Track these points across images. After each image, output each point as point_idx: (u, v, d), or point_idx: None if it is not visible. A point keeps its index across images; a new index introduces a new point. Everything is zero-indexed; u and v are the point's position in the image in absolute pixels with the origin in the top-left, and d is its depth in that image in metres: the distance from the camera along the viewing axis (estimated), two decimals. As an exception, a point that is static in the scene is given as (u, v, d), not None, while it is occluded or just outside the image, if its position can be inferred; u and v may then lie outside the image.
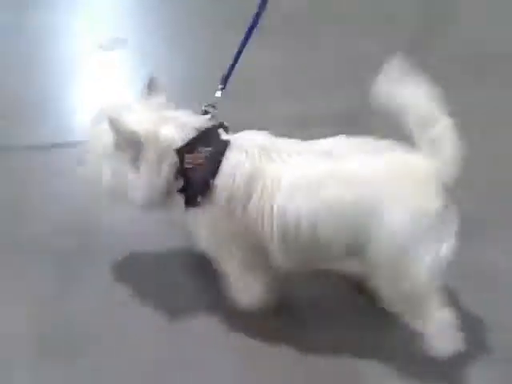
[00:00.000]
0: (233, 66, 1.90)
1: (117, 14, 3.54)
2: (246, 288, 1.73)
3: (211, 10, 3.36)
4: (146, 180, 1.63)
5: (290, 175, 1.55)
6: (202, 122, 1.68)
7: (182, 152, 1.60)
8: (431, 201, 1.50)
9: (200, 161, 1.59)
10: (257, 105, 2.52)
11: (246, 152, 1.59)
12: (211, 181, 1.58)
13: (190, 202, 1.63)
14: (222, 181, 1.58)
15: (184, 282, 1.90)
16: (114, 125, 1.58)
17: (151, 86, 1.71)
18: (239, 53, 1.91)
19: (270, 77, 2.75)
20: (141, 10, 3.62)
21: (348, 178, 1.52)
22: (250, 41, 1.92)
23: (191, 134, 1.63)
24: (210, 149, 1.60)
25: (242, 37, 1.89)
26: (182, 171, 1.62)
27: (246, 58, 1.88)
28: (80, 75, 2.92)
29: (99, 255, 1.98)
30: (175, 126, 1.63)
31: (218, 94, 1.86)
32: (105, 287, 1.89)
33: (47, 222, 2.09)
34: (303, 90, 2.70)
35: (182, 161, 1.61)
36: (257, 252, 1.64)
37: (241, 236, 1.62)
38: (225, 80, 1.88)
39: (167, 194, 1.66)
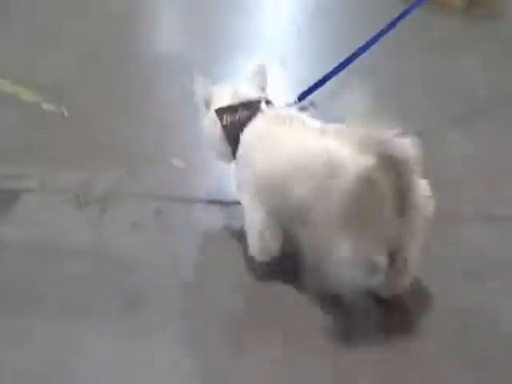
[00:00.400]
0: (317, 86, 2.22)
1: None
2: (263, 236, 1.96)
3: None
4: (207, 130, 2.11)
5: (287, 137, 1.89)
6: (254, 97, 2.05)
7: (220, 112, 2.04)
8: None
9: (233, 119, 2.01)
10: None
11: (268, 117, 1.98)
12: (240, 134, 1.99)
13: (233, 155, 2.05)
14: (244, 136, 1.99)
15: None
16: (197, 83, 2.11)
17: (256, 73, 2.13)
18: (330, 75, 2.22)
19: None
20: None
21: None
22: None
23: (236, 103, 2.04)
24: (245, 112, 2.00)
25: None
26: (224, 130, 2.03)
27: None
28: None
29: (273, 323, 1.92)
30: (228, 96, 2.05)
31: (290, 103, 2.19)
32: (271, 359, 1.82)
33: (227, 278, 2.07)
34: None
35: (221, 119, 2.03)
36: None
37: (256, 185, 1.94)
38: (303, 96, 2.22)
39: (225, 149, 2.07)
